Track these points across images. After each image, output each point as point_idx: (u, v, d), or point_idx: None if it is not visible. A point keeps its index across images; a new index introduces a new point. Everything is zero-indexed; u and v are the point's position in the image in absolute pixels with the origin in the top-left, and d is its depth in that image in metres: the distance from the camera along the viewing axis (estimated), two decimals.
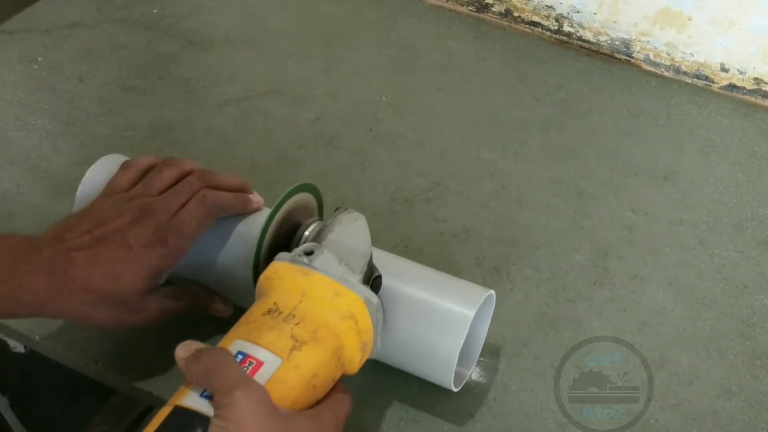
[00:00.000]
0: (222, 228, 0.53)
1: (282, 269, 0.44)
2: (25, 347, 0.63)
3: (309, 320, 0.43)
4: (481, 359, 0.57)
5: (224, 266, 0.53)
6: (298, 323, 0.42)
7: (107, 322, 0.48)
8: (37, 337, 0.56)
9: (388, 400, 0.54)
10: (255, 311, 0.44)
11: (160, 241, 0.48)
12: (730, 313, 0.63)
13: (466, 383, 0.55)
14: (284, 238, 0.51)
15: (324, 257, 0.44)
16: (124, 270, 0.47)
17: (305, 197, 0.53)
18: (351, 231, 0.48)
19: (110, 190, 0.53)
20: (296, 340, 0.42)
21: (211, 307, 0.54)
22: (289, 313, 0.43)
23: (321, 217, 0.56)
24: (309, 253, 0.44)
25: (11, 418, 0.94)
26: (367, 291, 0.44)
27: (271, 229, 0.50)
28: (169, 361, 0.54)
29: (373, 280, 0.47)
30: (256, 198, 0.54)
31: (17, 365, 0.88)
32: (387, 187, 0.71)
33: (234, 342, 0.42)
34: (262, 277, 0.45)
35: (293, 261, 0.44)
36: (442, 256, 0.65)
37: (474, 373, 0.56)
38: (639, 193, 0.73)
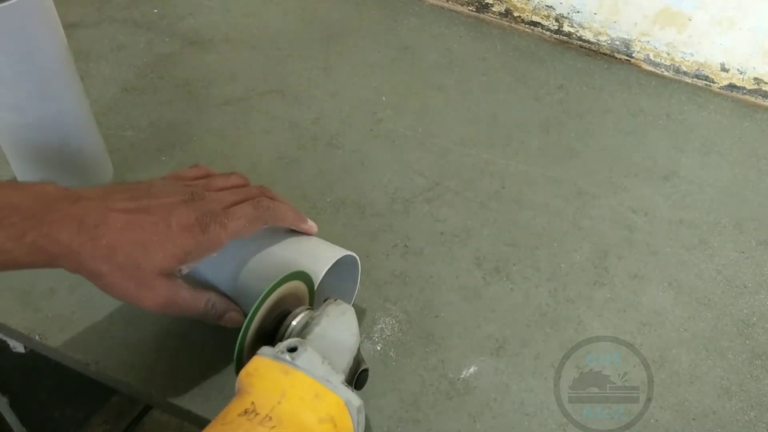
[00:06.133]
0: (258, 242, 0.52)
1: (263, 366, 0.42)
2: (25, 347, 0.63)
3: (286, 423, 0.40)
4: (481, 359, 0.57)
5: (246, 279, 0.51)
6: (274, 426, 0.39)
7: (115, 288, 0.46)
8: (37, 337, 0.56)
9: (388, 400, 0.54)
10: (232, 411, 0.41)
11: (201, 226, 0.46)
12: (730, 313, 0.63)
13: (467, 383, 0.55)
14: (272, 327, 0.49)
15: (307, 355, 0.42)
16: (154, 243, 0.45)
17: (297, 285, 0.50)
18: (338, 324, 0.46)
19: (172, 176, 0.52)
20: None
21: (226, 316, 0.51)
22: (266, 415, 0.40)
23: (311, 305, 0.53)
24: (292, 350, 0.42)
25: (11, 418, 0.94)
26: (349, 392, 0.42)
27: (259, 316, 0.47)
28: (169, 361, 0.55)
29: (358, 375, 0.46)
30: (311, 222, 0.54)
31: (17, 365, 0.88)
32: (387, 187, 0.71)
33: None
34: (242, 372, 0.42)
35: (276, 358, 0.42)
36: (442, 255, 0.65)
37: (474, 373, 0.56)
38: (639, 193, 0.73)
